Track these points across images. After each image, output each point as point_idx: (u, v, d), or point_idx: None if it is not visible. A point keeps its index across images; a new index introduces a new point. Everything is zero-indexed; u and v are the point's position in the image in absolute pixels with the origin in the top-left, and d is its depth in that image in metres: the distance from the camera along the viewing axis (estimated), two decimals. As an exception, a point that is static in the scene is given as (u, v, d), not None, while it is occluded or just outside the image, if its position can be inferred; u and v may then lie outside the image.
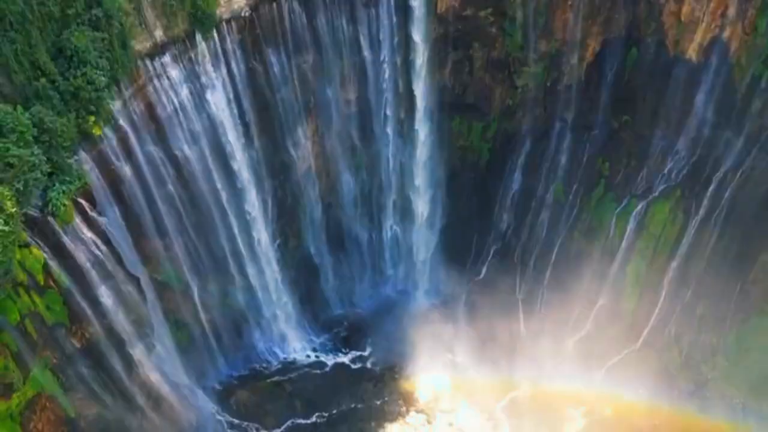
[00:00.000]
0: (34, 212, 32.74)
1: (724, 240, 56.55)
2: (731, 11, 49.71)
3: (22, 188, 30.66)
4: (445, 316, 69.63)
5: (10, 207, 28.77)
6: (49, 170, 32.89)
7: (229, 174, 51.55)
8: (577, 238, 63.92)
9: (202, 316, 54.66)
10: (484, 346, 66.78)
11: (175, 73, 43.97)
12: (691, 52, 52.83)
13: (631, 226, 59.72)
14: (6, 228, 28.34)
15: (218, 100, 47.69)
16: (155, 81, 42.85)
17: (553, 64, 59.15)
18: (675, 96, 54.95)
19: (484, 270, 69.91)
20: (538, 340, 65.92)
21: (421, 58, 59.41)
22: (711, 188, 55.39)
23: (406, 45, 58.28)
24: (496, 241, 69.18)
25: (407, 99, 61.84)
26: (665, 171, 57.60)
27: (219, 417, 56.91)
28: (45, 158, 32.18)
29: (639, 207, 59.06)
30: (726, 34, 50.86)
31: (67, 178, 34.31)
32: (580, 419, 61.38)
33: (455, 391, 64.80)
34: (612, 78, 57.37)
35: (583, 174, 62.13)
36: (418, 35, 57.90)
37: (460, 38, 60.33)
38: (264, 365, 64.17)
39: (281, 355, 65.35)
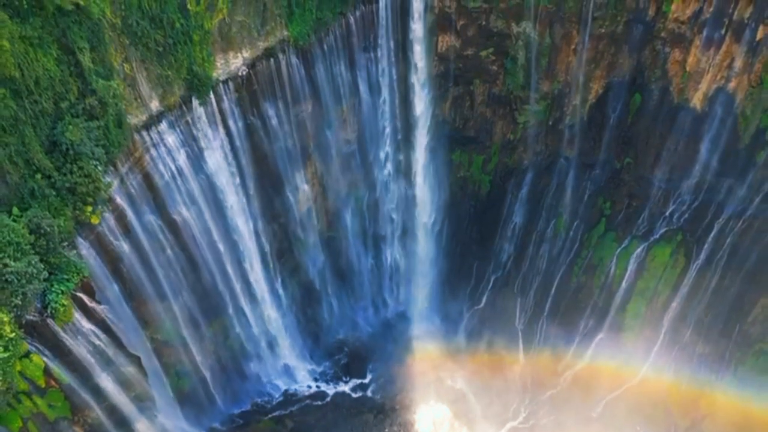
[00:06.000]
0: (33, 317, 32.38)
1: (724, 283, 56.61)
2: (738, 63, 48.72)
3: (20, 302, 30.34)
4: (445, 343, 70.08)
5: (9, 332, 28.46)
6: (46, 274, 32.48)
7: (227, 224, 51.13)
8: (577, 273, 63.87)
9: (202, 363, 54.73)
10: (483, 375, 67.54)
11: (171, 139, 43.09)
12: (696, 101, 51.95)
13: (631, 266, 59.59)
14: (6, 354, 28.14)
15: (216, 159, 46.90)
16: (152, 150, 41.99)
17: (555, 103, 58.23)
18: (678, 141, 54.32)
19: (484, 299, 70.07)
20: (536, 370, 66.62)
21: (421, 94, 58.85)
22: (713, 234, 55.21)
23: (405, 83, 57.68)
24: (497, 270, 69.12)
25: (407, 132, 61.37)
26: (667, 214, 57.20)
27: (220, 461, 57.69)
28: (42, 266, 31.73)
29: (639, 249, 58.84)
30: (732, 84, 49.95)
31: (65, 276, 33.76)
32: (578, 452, 62.34)
33: (455, 420, 65.54)
34: (615, 120, 56.54)
35: (584, 211, 61.72)
36: (418, 74, 57.35)
37: (461, 75, 59.52)
38: (266, 399, 64.64)
39: (282, 387, 65.85)
